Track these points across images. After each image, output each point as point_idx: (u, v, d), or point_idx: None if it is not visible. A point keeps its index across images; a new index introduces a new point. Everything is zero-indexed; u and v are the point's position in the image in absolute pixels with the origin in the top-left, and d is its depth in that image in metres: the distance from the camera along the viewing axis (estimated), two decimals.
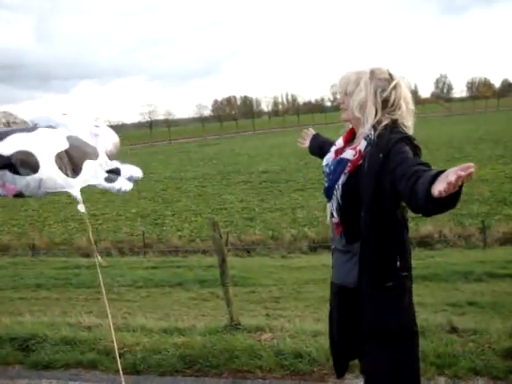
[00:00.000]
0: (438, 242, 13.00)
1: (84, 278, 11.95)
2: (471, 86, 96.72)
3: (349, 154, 2.04)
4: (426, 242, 12.95)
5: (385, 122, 1.98)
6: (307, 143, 2.73)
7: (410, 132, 2.03)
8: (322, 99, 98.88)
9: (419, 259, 11.50)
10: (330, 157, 2.18)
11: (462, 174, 1.41)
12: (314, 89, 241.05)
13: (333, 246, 2.23)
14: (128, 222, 18.12)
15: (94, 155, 2.48)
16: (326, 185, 2.13)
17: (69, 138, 2.41)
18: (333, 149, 2.20)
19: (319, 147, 2.61)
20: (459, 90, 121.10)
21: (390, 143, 1.89)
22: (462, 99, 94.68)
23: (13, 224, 19.35)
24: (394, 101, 2.02)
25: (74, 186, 2.40)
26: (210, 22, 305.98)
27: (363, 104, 2.01)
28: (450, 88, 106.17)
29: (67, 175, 2.35)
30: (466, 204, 15.97)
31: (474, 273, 9.43)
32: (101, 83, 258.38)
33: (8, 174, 2.14)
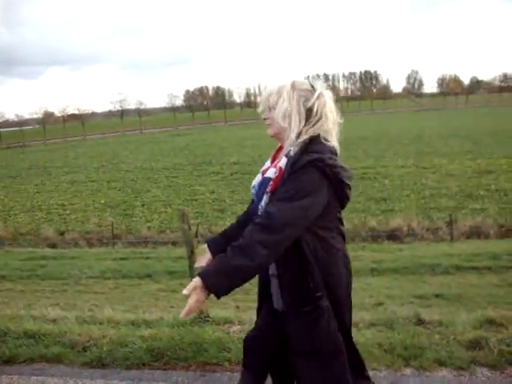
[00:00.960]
0: (406, 236, 13.20)
1: (51, 269, 11.76)
2: (442, 82, 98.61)
3: (271, 172, 1.97)
4: (395, 236, 13.15)
5: (303, 138, 1.93)
6: (205, 261, 2.29)
7: (334, 144, 2.01)
8: None
9: (388, 252, 11.67)
10: (257, 178, 2.07)
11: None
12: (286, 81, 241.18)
13: (270, 272, 2.12)
14: (97, 213, 17.87)
15: None
16: (253, 207, 2.08)
17: None
18: (261, 169, 2.09)
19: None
20: (430, 86, 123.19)
21: (296, 166, 1.86)
22: (432, 95, 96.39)
23: None
24: (317, 111, 1.97)
25: None
26: (183, 12, 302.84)
27: (288, 113, 1.96)
28: (421, 83, 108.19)
29: None
30: (434, 198, 16.26)
31: (441, 265, 9.63)
32: (71, 70, 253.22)
33: None
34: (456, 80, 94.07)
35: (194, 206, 17.61)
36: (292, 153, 1.90)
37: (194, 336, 3.53)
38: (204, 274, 1.78)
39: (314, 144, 1.92)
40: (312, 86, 2.02)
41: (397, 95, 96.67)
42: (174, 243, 13.65)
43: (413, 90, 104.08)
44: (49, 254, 13.44)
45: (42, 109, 72.71)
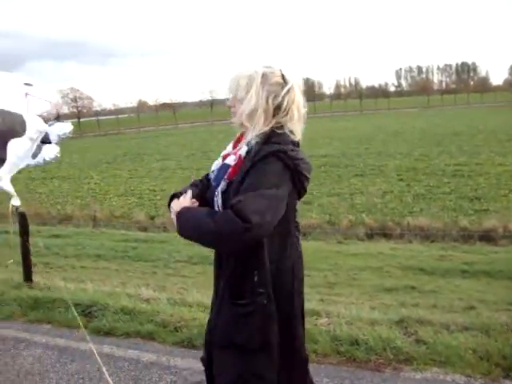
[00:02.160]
0: (502, 238, 12.46)
1: (141, 251, 12.28)
2: None
3: (231, 159, 1.94)
4: (489, 237, 12.44)
5: (264, 129, 1.88)
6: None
7: (298, 137, 1.96)
8: (386, 84, 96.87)
9: (481, 254, 11.09)
10: (217, 163, 2.05)
11: None
12: (378, 73, 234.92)
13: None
14: None
15: (21, 129, 2.09)
16: (209, 192, 2.00)
17: None
18: (221, 154, 2.06)
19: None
20: None
21: (258, 156, 1.81)
22: None
23: (76, 196, 20.12)
24: (286, 106, 1.89)
25: (1, 179, 2.09)
26: (269, 3, 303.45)
27: (252, 112, 1.88)
28: None
29: None
30: None
31: None
32: (164, 61, 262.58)
33: None
34: None
35: None
36: (253, 142, 1.87)
37: None
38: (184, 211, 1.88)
39: (275, 135, 1.89)
40: (283, 78, 1.91)
41: (497, 88, 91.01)
42: None
43: None
44: (140, 237, 14.06)
45: (136, 98, 76.05)
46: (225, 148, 2.11)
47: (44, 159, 2.25)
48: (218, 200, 1.89)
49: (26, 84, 2.16)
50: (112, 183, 22.30)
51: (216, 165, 2.05)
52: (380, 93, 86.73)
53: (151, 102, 76.10)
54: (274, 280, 1.91)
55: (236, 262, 1.90)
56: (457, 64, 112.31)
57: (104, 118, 69.47)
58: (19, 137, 2.05)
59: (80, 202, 19.17)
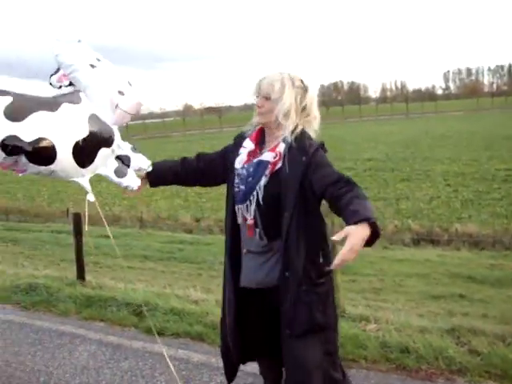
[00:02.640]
0: None
1: (187, 253, 12.45)
2: None
3: (268, 156, 2.10)
4: None
5: (300, 127, 2.11)
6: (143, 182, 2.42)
7: (314, 136, 2.18)
8: (433, 87, 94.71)
9: None
10: (242, 159, 2.19)
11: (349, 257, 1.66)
12: (425, 76, 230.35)
13: (244, 250, 2.22)
14: None
15: (109, 140, 2.20)
16: (243, 187, 2.13)
17: (90, 121, 2.11)
18: (244, 151, 2.20)
19: (164, 175, 2.42)
20: None
21: (312, 148, 2.05)
22: None
23: (123, 197, 20.60)
24: (308, 109, 2.15)
25: (84, 175, 2.20)
26: (316, 8, 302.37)
27: (287, 112, 2.08)
28: None
29: (80, 165, 2.13)
30: None
31: None
32: (209, 65, 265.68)
33: (23, 159, 1.98)
34: None
35: None
36: (289, 138, 2.07)
37: None
38: (368, 213, 1.74)
39: (306, 133, 2.13)
40: (302, 81, 2.13)
41: None
42: None
43: None
44: (186, 239, 14.26)
45: (182, 102, 77.41)
46: (236, 145, 2.28)
47: (126, 186, 2.37)
48: (260, 194, 2.07)
49: (120, 92, 2.18)
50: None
51: (241, 162, 2.19)
52: (427, 96, 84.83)
53: (197, 106, 77.23)
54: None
55: (302, 247, 2.04)
56: (510, 65, 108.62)
57: (151, 121, 70.90)
58: (107, 147, 2.20)
59: (127, 203, 19.61)
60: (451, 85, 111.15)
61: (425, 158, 23.95)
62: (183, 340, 3.81)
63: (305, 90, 2.13)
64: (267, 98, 2.10)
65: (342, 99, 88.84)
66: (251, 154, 2.17)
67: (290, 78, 2.10)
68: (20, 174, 2.10)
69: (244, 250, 2.22)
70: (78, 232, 5.83)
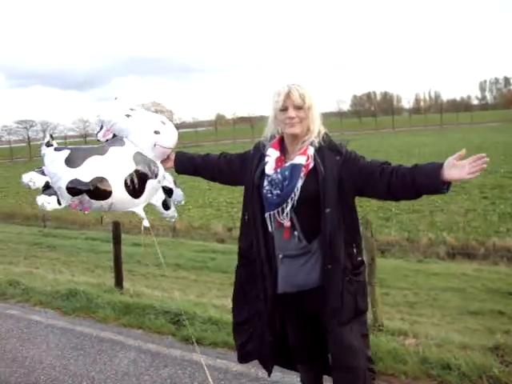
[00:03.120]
0: None
1: (219, 262, 12.49)
2: None
3: (300, 159, 2.19)
4: None
5: (323, 131, 2.26)
6: (170, 163, 2.65)
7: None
8: (469, 97, 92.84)
9: None
10: (271, 166, 2.26)
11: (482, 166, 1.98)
12: (460, 85, 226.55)
13: (280, 256, 2.26)
14: None
15: (154, 174, 2.55)
16: (278, 191, 2.19)
17: (135, 158, 2.50)
18: (271, 159, 2.27)
19: (190, 164, 2.65)
20: None
21: (342, 148, 2.23)
22: None
23: None
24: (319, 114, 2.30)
25: (138, 205, 2.57)
26: (348, 15, 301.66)
27: (317, 118, 2.24)
28: None
29: (133, 196, 2.48)
30: None
31: None
32: (241, 75, 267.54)
33: (86, 197, 2.35)
34: None
35: (359, 212, 17.43)
36: (316, 141, 2.21)
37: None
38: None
39: (328, 135, 2.29)
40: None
41: None
42: None
43: None
44: (218, 248, 14.32)
45: (214, 111, 78.18)
46: (255, 153, 2.38)
47: (171, 217, 2.84)
48: (296, 195, 2.16)
49: (156, 132, 2.56)
50: (191, 194, 22.90)
51: (271, 168, 2.26)
52: (462, 106, 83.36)
53: (229, 116, 77.83)
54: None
55: (342, 243, 2.18)
56: None
57: (183, 130, 71.74)
58: (154, 179, 2.56)
59: None
60: (488, 94, 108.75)
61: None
62: (221, 350, 3.83)
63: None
64: (299, 108, 2.19)
65: (374, 110, 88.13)
66: (280, 160, 2.26)
67: (308, 86, 2.25)
68: (86, 212, 2.47)
69: (280, 256, 2.26)
70: (116, 240, 5.94)
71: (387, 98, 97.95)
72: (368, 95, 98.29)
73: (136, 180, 2.47)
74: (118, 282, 5.83)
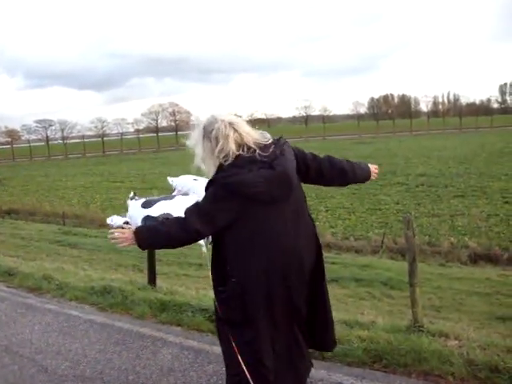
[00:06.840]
0: None
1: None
2: None
3: None
4: None
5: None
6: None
7: None
8: (489, 100, 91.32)
9: None
10: None
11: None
12: (479, 89, 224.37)
13: None
14: None
15: None
16: None
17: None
18: None
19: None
20: None
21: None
22: None
23: None
24: None
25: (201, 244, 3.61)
26: (369, 18, 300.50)
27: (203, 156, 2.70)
28: None
29: None
30: None
31: None
32: (259, 77, 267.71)
33: None
34: None
35: (378, 215, 17.41)
36: None
37: (411, 344, 3.53)
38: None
39: None
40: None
41: None
42: (358, 251, 13.65)
43: None
44: None
45: (231, 112, 78.64)
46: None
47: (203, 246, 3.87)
48: None
49: (181, 194, 3.93)
50: None
51: None
52: (482, 110, 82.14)
53: (246, 117, 77.93)
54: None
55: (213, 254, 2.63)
56: None
57: None
58: None
59: None
60: (508, 98, 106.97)
61: (480, 174, 23.36)
62: None
63: None
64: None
65: (392, 112, 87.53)
66: None
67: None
68: None
69: None
70: None
71: (405, 101, 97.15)
72: (385, 98, 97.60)
73: None
74: (151, 279, 5.88)
